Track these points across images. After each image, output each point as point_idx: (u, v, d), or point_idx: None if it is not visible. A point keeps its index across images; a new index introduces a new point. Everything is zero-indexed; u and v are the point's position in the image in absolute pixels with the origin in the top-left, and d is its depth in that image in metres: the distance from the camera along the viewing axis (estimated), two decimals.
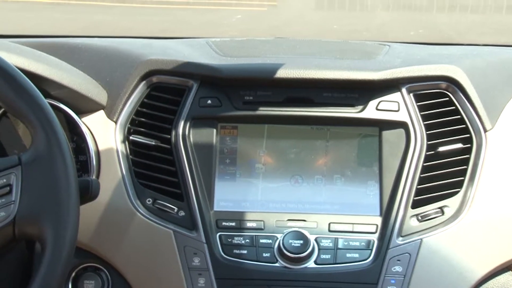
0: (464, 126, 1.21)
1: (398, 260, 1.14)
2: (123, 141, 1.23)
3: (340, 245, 1.16)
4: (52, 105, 1.03)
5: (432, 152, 1.20)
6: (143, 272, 1.18)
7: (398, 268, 1.14)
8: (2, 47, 1.15)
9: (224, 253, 1.16)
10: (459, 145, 1.20)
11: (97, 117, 1.24)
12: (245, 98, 1.23)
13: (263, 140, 1.23)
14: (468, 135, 1.21)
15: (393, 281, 1.13)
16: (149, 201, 1.20)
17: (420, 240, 1.15)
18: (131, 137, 1.23)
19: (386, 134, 1.22)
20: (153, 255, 1.17)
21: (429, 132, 1.21)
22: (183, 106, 1.22)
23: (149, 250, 1.18)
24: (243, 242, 1.16)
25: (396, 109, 1.22)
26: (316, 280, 1.13)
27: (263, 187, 1.22)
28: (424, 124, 1.21)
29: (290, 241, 1.13)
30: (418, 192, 1.18)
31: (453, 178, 1.19)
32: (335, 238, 1.16)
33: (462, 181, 1.19)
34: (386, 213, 1.18)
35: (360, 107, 1.22)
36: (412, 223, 1.17)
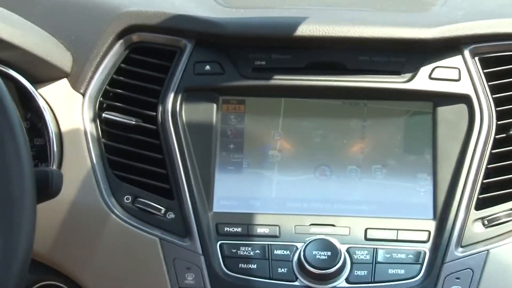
0: None
1: (457, 278, 1.12)
2: (94, 120, 1.21)
3: (380, 258, 1.14)
4: None
5: (503, 135, 1.18)
6: None
7: None
8: None
9: (227, 268, 1.14)
10: None
11: (59, 88, 1.22)
12: (255, 63, 1.21)
13: (279, 118, 1.22)
14: None
15: None
16: (127, 199, 1.19)
17: (486, 251, 1.13)
18: (104, 115, 1.22)
19: (443, 111, 1.20)
20: (133, 270, 1.16)
21: (500, 108, 1.18)
22: (173, 73, 1.20)
23: (127, 264, 1.16)
24: (251, 253, 1.14)
25: (456, 78, 1.20)
26: None
27: (278, 181, 1.20)
28: (493, 98, 1.18)
29: (314, 252, 1.12)
30: (485, 189, 1.16)
31: None
32: (373, 248, 1.15)
33: None
34: (442, 216, 1.16)
35: (408, 75, 1.20)
36: (476, 229, 1.15)
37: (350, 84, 1.20)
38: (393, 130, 1.21)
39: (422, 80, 1.19)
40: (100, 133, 1.22)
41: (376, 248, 1.15)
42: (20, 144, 0.87)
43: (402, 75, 1.20)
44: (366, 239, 1.16)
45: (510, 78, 1.21)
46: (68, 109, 1.21)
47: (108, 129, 1.22)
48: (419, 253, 1.15)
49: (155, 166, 1.19)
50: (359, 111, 1.22)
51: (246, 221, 1.17)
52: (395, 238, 1.16)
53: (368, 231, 1.16)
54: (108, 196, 1.18)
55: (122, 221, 1.16)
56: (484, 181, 1.16)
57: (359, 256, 1.14)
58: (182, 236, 1.16)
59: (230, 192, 1.20)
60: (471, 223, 1.15)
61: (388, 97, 1.21)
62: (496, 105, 1.18)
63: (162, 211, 1.18)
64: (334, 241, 1.13)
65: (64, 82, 1.22)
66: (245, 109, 1.22)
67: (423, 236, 1.16)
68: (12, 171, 0.86)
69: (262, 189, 1.20)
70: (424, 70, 1.19)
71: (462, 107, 1.19)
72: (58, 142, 1.19)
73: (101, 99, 1.23)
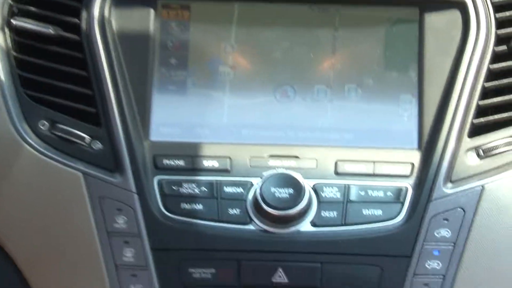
0: None
1: (446, 220, 1.10)
2: (1, 28, 1.16)
3: (353, 197, 1.12)
4: None
5: (504, 47, 1.15)
6: (35, 243, 1.14)
7: (445, 232, 1.10)
8: None
9: (166, 209, 1.11)
10: None
11: None
12: None
13: (232, 27, 1.18)
14: None
15: (436, 253, 1.10)
16: (43, 125, 1.15)
17: (481, 187, 1.11)
18: (14, 22, 1.16)
19: (431, 18, 1.17)
20: (51, 213, 1.12)
21: (500, 15, 1.16)
22: None
23: (44, 206, 1.13)
24: (196, 191, 1.11)
25: None
26: (313, 251, 1.10)
27: (231, 103, 1.18)
28: (492, 2, 1.15)
29: (273, 189, 1.08)
30: (480, 112, 1.14)
31: None
32: (345, 185, 1.12)
33: None
34: (429, 144, 1.14)
35: None
36: (470, 161, 1.13)
37: None
38: (370, 42, 1.18)
39: None
40: (9, 44, 1.17)
41: (348, 185, 1.12)
42: None
43: None
44: (336, 173, 1.14)
45: None
46: None
47: (19, 40, 1.17)
48: (400, 190, 1.12)
49: (78, 85, 1.15)
50: (330, 18, 1.18)
51: (190, 152, 1.14)
52: (371, 172, 1.14)
53: (339, 163, 1.14)
54: (20, 121, 1.14)
55: (37, 152, 1.13)
56: (480, 102, 1.14)
57: (328, 194, 1.12)
58: (111, 171, 1.13)
59: (171, 117, 1.17)
60: (463, 154, 1.13)
61: (365, 1, 1.18)
62: (496, 11, 1.16)
63: (87, 140, 1.14)
64: (298, 176, 1.10)
65: None
66: (190, 16, 1.19)
67: (405, 169, 1.14)
68: None
69: (211, 113, 1.17)
70: None
71: (455, 14, 1.16)
72: None
73: (10, 1, 1.17)
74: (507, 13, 1.16)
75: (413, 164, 1.14)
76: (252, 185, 1.12)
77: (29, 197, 1.14)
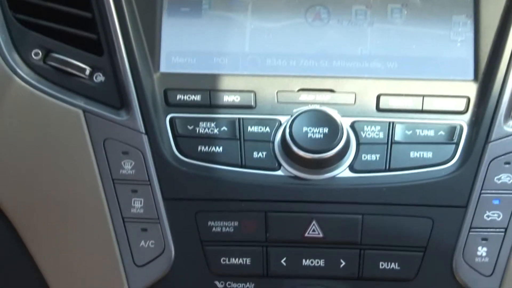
0: None
1: (507, 163, 1.06)
2: None
3: (398, 137, 1.08)
4: None
5: None
6: (27, 192, 1.10)
7: (506, 178, 1.05)
8: None
9: (181, 153, 1.08)
10: None
11: None
12: None
13: None
14: None
15: (496, 202, 1.05)
16: (37, 54, 1.12)
17: None
18: None
19: None
20: (47, 157, 1.09)
21: None
22: None
23: (38, 148, 1.10)
24: (215, 131, 1.09)
25: None
26: (353, 201, 1.06)
27: (254, 28, 1.15)
28: None
29: (305, 129, 1.05)
30: None
31: None
32: (389, 122, 1.08)
33: None
34: (487, 75, 1.10)
35: None
36: None
37: None
38: None
39: None
40: None
41: (393, 122, 1.08)
42: None
43: None
44: (378, 109, 1.10)
45: None
46: None
47: None
48: (453, 128, 1.08)
49: (76, 6, 1.12)
50: None
51: (207, 85, 1.11)
52: (419, 108, 1.09)
53: (382, 98, 1.10)
54: (9, 50, 1.11)
55: (29, 86, 1.10)
56: None
57: (369, 134, 1.08)
58: (115, 108, 1.09)
59: (185, 45, 1.14)
60: None
61: None
62: None
63: (87, 72, 1.10)
64: (333, 113, 1.06)
65: None
66: None
67: (460, 104, 1.09)
68: None
69: (231, 40, 1.15)
70: None
71: None
72: None
73: None
74: None
75: (468, 98, 1.10)
76: (280, 123, 1.08)
77: (20, 138, 1.11)
